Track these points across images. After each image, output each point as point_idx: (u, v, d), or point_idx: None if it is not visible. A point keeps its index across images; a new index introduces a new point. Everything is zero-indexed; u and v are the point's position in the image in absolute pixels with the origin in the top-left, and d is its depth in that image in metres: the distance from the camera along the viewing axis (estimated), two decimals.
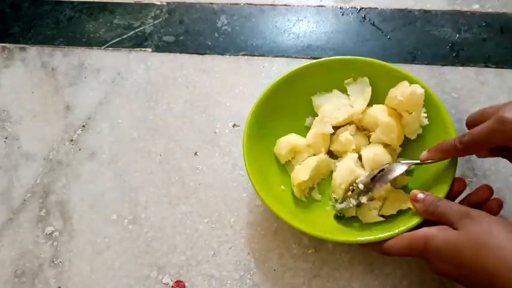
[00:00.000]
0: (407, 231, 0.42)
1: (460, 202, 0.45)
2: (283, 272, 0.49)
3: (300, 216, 0.48)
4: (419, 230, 0.41)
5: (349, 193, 0.48)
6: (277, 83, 0.53)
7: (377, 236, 0.43)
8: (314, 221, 0.48)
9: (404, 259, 0.48)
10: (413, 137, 0.51)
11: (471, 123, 0.44)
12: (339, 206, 0.48)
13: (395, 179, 0.47)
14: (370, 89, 0.52)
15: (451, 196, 0.45)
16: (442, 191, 0.44)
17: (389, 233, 0.43)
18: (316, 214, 0.50)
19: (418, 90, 0.48)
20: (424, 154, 0.46)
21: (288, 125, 0.54)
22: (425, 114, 0.50)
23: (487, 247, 0.37)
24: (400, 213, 0.47)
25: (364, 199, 0.47)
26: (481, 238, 0.37)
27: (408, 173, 0.49)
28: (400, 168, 0.47)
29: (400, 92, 0.49)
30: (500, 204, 0.43)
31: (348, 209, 0.48)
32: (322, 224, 0.48)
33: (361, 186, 0.47)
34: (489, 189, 0.44)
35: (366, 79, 0.53)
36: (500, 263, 0.36)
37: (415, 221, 0.43)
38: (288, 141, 0.52)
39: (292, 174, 0.50)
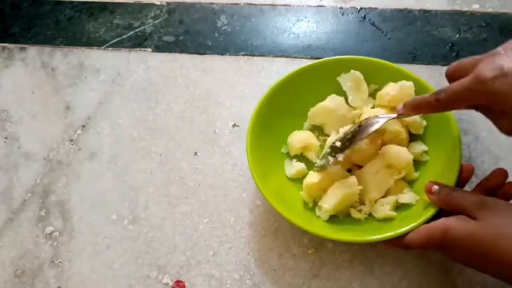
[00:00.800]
0: (423, 224, 0.42)
1: (474, 189, 0.44)
2: (283, 272, 0.49)
3: (303, 215, 0.48)
4: (438, 221, 0.41)
5: (328, 149, 0.48)
6: (281, 81, 0.53)
7: (372, 237, 0.43)
8: (316, 220, 0.48)
9: (404, 259, 0.48)
10: (420, 131, 0.51)
11: (450, 76, 0.42)
12: (319, 163, 0.49)
13: (372, 133, 0.46)
14: (366, 87, 0.53)
15: (460, 184, 0.45)
16: (450, 180, 0.44)
17: (407, 228, 0.43)
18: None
19: (407, 83, 0.49)
20: (399, 108, 0.45)
21: (292, 124, 0.54)
22: None
23: (507, 238, 0.37)
24: (410, 207, 0.47)
25: (340, 157, 0.47)
26: (500, 229, 0.37)
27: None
28: (377, 123, 0.46)
29: (390, 89, 0.50)
30: None
31: (327, 167, 0.48)
32: (322, 224, 0.48)
33: (337, 143, 0.47)
34: (503, 173, 0.43)
35: (358, 73, 0.52)
36: None
37: (430, 213, 0.43)
38: (303, 138, 0.52)
39: (305, 180, 0.50)
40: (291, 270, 0.49)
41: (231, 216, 0.53)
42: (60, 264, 0.52)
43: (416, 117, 0.50)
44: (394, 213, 0.47)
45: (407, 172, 0.48)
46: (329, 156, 0.48)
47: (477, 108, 0.42)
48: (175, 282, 0.50)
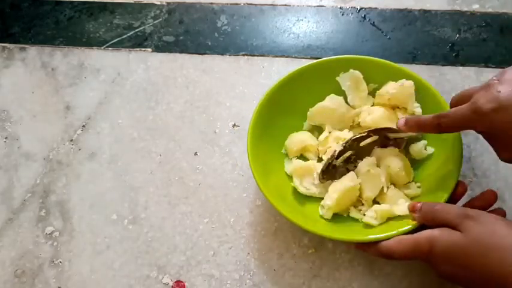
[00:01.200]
0: (404, 234, 0.42)
1: (464, 206, 0.44)
2: (283, 272, 0.49)
3: (301, 213, 0.48)
4: (423, 232, 0.41)
5: (329, 156, 0.49)
6: (281, 81, 0.53)
7: (372, 237, 0.43)
8: (316, 220, 0.48)
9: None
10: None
11: (453, 105, 0.44)
12: (321, 169, 0.50)
13: (366, 144, 0.49)
14: (365, 86, 0.53)
15: (453, 199, 0.45)
16: (444, 195, 0.44)
17: (387, 234, 0.43)
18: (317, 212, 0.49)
19: (407, 82, 0.50)
20: (401, 124, 0.46)
21: (293, 124, 0.54)
22: (419, 104, 0.50)
23: (494, 249, 0.36)
24: (397, 216, 0.47)
25: (337, 162, 0.49)
26: (487, 240, 0.37)
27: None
28: (373, 136, 0.49)
29: (390, 87, 0.50)
30: (504, 215, 0.42)
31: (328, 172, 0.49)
32: (323, 223, 0.48)
33: (335, 152, 0.49)
34: (493, 194, 0.43)
35: (357, 72, 0.52)
36: (506, 264, 0.35)
37: (413, 223, 0.43)
38: (301, 140, 0.52)
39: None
40: (291, 270, 0.49)
41: (231, 216, 0.53)
42: (60, 264, 0.52)
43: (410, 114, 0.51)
44: (374, 223, 0.46)
45: (400, 176, 0.48)
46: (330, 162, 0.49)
47: (479, 133, 0.43)
48: (175, 282, 0.50)
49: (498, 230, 0.37)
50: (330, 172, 0.49)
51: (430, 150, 0.50)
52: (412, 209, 0.44)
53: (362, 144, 0.50)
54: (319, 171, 0.49)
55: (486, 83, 0.39)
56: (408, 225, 0.43)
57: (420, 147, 0.50)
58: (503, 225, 0.38)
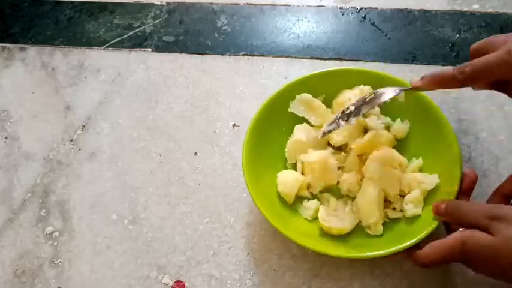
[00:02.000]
0: (416, 244, 0.42)
1: (493, 194, 0.44)
2: (283, 272, 0.49)
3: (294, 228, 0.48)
4: (454, 235, 0.40)
5: (339, 115, 0.48)
6: (285, 88, 0.53)
7: (369, 254, 0.43)
8: (315, 237, 0.48)
9: (404, 259, 0.48)
10: (403, 135, 0.52)
11: (475, 54, 0.41)
12: (328, 128, 0.49)
13: (385, 102, 0.46)
14: (318, 101, 0.53)
15: (463, 192, 0.45)
16: (451, 193, 0.44)
17: (398, 247, 0.43)
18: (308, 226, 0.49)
19: (365, 87, 0.50)
20: (417, 81, 0.44)
21: (288, 133, 0.53)
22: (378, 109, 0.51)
23: None
24: (406, 226, 0.47)
25: (353, 120, 0.47)
26: None
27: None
28: (390, 93, 0.46)
29: (349, 94, 0.51)
30: None
31: (335, 131, 0.49)
32: (326, 242, 0.47)
33: (351, 107, 0.47)
34: None
35: (304, 95, 0.53)
36: None
37: (425, 231, 0.43)
38: (293, 184, 0.50)
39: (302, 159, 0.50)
40: (291, 270, 0.49)
41: (231, 216, 0.53)
42: (60, 264, 0.52)
43: (402, 124, 0.51)
44: (419, 211, 0.46)
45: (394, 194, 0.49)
46: (340, 120, 0.48)
47: (499, 85, 0.41)
48: (175, 282, 0.50)
49: None
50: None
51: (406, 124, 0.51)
52: (436, 211, 0.43)
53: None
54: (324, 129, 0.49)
55: None
56: (430, 226, 0.43)
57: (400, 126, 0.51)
58: None
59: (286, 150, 0.53)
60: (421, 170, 0.50)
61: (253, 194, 0.47)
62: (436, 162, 0.49)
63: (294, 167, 0.52)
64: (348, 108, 0.48)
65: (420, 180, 0.47)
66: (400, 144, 0.52)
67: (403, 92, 0.47)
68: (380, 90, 0.47)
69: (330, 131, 0.49)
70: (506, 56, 0.37)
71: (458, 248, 0.39)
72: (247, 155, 0.49)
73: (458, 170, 0.45)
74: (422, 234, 0.43)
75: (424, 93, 0.49)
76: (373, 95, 0.47)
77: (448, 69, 0.41)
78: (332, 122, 0.49)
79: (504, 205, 0.40)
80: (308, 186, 0.50)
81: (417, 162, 0.50)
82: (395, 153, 0.50)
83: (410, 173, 0.49)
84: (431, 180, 0.47)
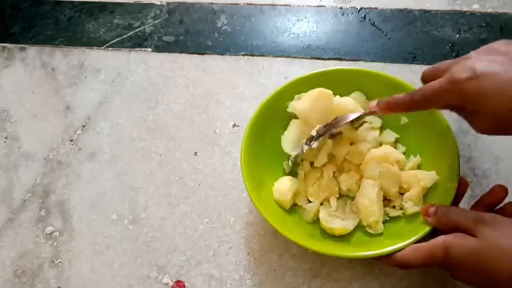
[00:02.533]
0: (415, 242, 0.42)
1: (474, 204, 0.44)
2: (283, 272, 0.49)
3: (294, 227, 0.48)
4: (437, 238, 0.40)
5: (303, 141, 0.49)
6: (283, 87, 0.52)
7: (371, 253, 0.43)
8: (317, 237, 0.48)
9: None
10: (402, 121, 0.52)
11: (426, 79, 0.43)
12: (293, 154, 0.50)
13: (345, 124, 0.48)
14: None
15: (456, 198, 0.45)
16: (448, 197, 0.44)
17: (399, 245, 0.42)
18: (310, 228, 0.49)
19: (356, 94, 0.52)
20: (373, 106, 0.45)
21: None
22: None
23: (506, 252, 0.36)
24: (406, 224, 0.47)
25: (315, 144, 0.48)
26: (501, 243, 0.37)
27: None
28: (350, 116, 0.48)
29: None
30: None
31: (300, 156, 0.49)
32: (327, 242, 0.47)
33: (313, 132, 0.48)
34: (503, 189, 0.43)
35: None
36: None
37: (425, 230, 0.43)
38: (288, 189, 0.49)
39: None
40: (291, 270, 0.49)
41: (231, 216, 0.53)
42: (60, 264, 0.52)
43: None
44: (418, 209, 0.46)
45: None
46: (304, 145, 0.49)
47: (451, 108, 0.42)
48: (175, 282, 0.50)
49: (511, 232, 0.37)
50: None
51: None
52: (426, 213, 0.43)
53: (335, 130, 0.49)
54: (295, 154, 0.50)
55: (462, 57, 0.40)
56: (422, 231, 0.43)
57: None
58: None
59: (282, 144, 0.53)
60: (419, 167, 0.50)
61: (252, 196, 0.47)
62: (434, 159, 0.49)
63: (293, 169, 0.52)
64: (311, 134, 0.49)
65: (419, 177, 0.47)
66: (398, 142, 0.52)
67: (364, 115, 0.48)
68: (341, 116, 0.49)
69: (296, 156, 0.50)
70: (447, 85, 0.39)
71: (441, 252, 0.39)
72: (246, 156, 0.49)
73: (456, 166, 0.45)
74: (424, 231, 0.43)
75: None
76: (335, 121, 0.49)
77: (401, 95, 0.43)
78: (297, 148, 0.50)
79: (489, 213, 0.41)
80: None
81: (415, 159, 0.50)
82: (393, 151, 0.50)
83: (409, 170, 0.49)
84: (430, 177, 0.47)
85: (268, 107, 0.52)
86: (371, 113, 0.46)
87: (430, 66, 0.44)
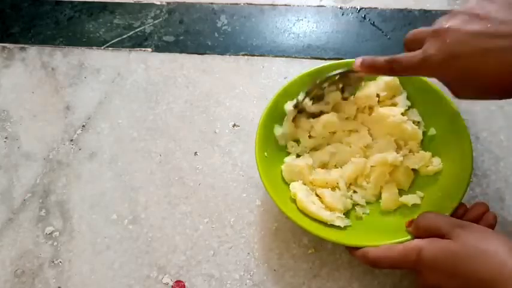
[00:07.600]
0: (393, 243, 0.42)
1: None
2: (283, 272, 0.49)
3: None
4: (410, 241, 0.41)
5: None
6: (289, 84, 0.52)
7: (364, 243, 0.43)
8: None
9: None
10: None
11: (407, 45, 0.44)
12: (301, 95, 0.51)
13: (328, 77, 0.50)
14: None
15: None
16: (449, 209, 0.44)
17: (380, 243, 0.43)
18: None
19: (388, 78, 0.51)
20: (357, 64, 0.46)
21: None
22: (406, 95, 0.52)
23: (480, 253, 0.36)
24: (392, 225, 0.47)
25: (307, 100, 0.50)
26: (473, 244, 0.37)
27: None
28: (336, 72, 0.50)
29: (375, 88, 0.52)
30: (495, 217, 0.43)
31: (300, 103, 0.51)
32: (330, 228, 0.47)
33: (300, 97, 0.51)
34: (484, 206, 0.44)
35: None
36: (495, 269, 0.35)
37: (408, 236, 0.43)
38: (298, 168, 0.50)
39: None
40: (291, 270, 0.49)
41: (231, 216, 0.53)
42: (60, 264, 0.52)
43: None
44: (401, 202, 0.48)
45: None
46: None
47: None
48: (175, 282, 0.50)
49: (485, 236, 0.38)
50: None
51: (437, 163, 0.50)
52: (408, 224, 0.44)
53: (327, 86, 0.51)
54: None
55: (436, 29, 0.40)
56: (403, 237, 0.43)
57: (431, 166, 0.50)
58: (492, 233, 0.38)
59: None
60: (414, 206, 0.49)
61: (265, 181, 0.47)
62: (448, 147, 0.49)
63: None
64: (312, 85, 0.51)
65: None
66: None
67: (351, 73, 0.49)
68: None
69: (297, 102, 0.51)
70: (419, 61, 0.40)
71: (413, 253, 0.39)
72: (260, 149, 0.49)
73: (470, 153, 0.46)
74: (406, 238, 0.43)
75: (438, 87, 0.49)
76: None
77: (382, 59, 0.43)
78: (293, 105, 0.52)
79: (466, 221, 0.41)
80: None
81: (416, 199, 0.49)
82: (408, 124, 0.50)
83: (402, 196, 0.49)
84: (437, 162, 0.48)
85: (279, 102, 0.52)
86: (355, 71, 0.47)
87: (411, 32, 0.44)
